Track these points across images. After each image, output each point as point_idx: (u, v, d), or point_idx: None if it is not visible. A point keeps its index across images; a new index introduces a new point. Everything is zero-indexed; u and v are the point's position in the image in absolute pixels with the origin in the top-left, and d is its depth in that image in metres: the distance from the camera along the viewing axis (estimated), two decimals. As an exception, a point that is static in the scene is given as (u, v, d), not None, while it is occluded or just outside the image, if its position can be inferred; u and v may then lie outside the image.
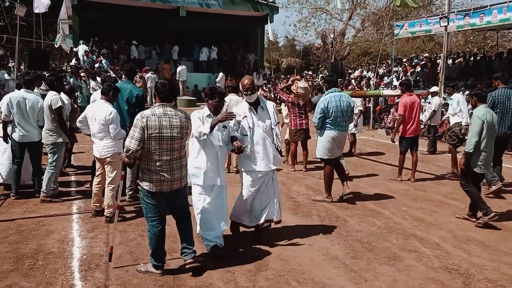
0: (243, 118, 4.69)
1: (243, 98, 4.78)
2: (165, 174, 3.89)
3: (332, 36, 23.56)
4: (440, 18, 13.62)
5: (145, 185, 3.94)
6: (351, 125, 10.43)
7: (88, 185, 7.00)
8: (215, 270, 4.15)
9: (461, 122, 8.33)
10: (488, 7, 14.15)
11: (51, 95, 6.15)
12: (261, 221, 4.76)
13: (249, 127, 4.66)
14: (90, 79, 16.21)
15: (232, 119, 4.45)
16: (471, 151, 5.51)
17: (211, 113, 4.39)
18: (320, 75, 23.94)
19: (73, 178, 7.59)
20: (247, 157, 4.66)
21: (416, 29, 17.72)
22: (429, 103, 11.92)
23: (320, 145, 6.42)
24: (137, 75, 17.36)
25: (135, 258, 4.41)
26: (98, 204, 5.64)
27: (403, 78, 18.12)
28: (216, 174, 4.40)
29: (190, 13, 22.19)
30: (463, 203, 6.49)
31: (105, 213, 5.45)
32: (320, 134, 6.41)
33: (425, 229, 5.42)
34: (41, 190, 6.17)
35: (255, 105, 4.73)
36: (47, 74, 10.75)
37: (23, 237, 4.90)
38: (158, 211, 4.00)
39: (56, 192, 6.37)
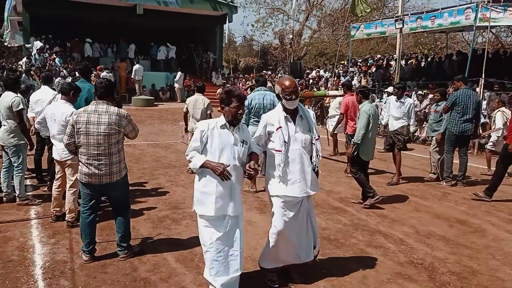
0: (276, 130, 3.69)
1: (281, 102, 3.78)
2: (93, 168, 4.13)
3: (290, 36, 23.78)
4: (395, 21, 14.09)
5: (78, 175, 4.31)
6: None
7: (45, 189, 6.73)
8: (186, 274, 4.10)
9: (407, 125, 8.22)
10: (439, 11, 14.76)
11: (12, 96, 5.85)
12: (300, 261, 3.89)
13: (284, 142, 3.67)
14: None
15: (226, 179, 3.42)
16: (359, 141, 6.18)
17: (228, 123, 3.52)
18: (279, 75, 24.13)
19: (28, 182, 7.23)
20: (278, 178, 3.73)
21: (371, 31, 18.20)
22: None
23: None
24: (92, 74, 16.85)
25: (102, 264, 4.26)
26: (58, 209, 5.42)
27: (361, 77, 18.68)
28: (229, 201, 3.51)
29: (147, 11, 21.71)
30: (422, 198, 6.77)
31: (66, 218, 5.25)
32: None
33: (388, 225, 5.58)
34: (16, 195, 6.01)
35: (293, 114, 3.78)
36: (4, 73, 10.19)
37: (-21, 245, 4.63)
38: (89, 200, 4.30)
39: (11, 197, 6.08)
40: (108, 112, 4.11)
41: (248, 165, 3.53)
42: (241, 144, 3.55)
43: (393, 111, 8.03)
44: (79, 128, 4.09)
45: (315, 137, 3.81)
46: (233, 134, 3.53)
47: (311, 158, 3.80)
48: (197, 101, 8.02)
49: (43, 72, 9.43)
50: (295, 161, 3.72)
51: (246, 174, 3.57)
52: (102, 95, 4.19)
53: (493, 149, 8.83)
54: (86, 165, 4.14)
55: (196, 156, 3.45)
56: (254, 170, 3.54)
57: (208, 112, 8.05)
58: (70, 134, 4.16)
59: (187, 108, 8.16)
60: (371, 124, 6.21)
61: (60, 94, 6.34)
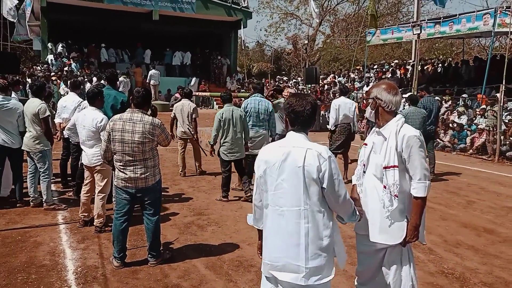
0: (362, 146, 2.97)
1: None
2: (129, 173, 4.19)
3: (306, 42, 23.81)
4: (413, 26, 14.03)
5: (115, 181, 4.37)
6: None
7: (70, 194, 6.80)
8: (217, 281, 4.11)
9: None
10: (457, 16, 14.70)
11: (38, 103, 5.93)
12: None
13: (363, 165, 2.91)
14: (62, 82, 15.80)
15: None
16: (212, 143, 6.81)
17: None
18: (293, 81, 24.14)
19: (53, 187, 7.31)
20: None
21: (388, 36, 18.19)
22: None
23: None
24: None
25: (133, 270, 4.29)
26: (86, 214, 5.47)
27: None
28: None
29: (163, 17, 21.94)
30: (447, 207, 6.71)
31: (94, 223, 5.29)
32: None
33: (415, 234, 5.52)
34: (43, 200, 6.08)
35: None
36: (30, 80, 10.33)
37: (11, 249, 4.69)
38: (124, 207, 4.32)
39: (38, 202, 6.16)
40: (142, 121, 4.16)
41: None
42: None
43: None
44: (115, 135, 4.17)
45: (386, 163, 2.82)
46: None
47: (387, 195, 2.82)
48: (184, 106, 8.30)
49: (71, 79, 9.54)
50: (366, 192, 2.97)
51: None
52: (138, 104, 4.25)
53: None
54: (122, 170, 4.21)
55: None
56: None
57: (194, 116, 8.31)
58: (106, 141, 4.24)
59: (174, 114, 8.40)
60: (222, 127, 6.59)
61: (85, 102, 6.49)
